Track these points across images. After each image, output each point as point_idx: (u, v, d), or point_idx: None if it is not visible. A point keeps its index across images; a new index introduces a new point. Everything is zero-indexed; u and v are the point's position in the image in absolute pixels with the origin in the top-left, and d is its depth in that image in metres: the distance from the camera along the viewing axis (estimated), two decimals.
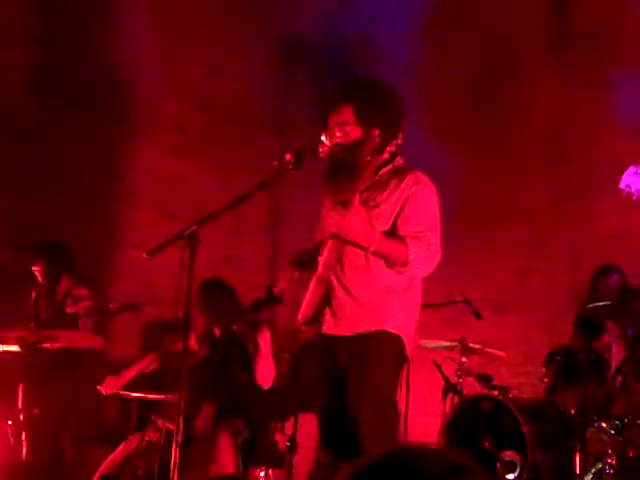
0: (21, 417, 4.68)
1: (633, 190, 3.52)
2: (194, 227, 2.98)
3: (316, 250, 3.21)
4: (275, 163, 3.15)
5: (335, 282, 3.11)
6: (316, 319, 3.10)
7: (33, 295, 5.07)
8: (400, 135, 3.22)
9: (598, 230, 6.07)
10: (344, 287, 3.10)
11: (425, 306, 5.29)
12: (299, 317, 3.11)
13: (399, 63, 6.68)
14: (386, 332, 3.06)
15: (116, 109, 6.37)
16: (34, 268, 5.12)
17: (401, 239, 3.04)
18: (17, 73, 6.12)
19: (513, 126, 6.51)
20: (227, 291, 4.76)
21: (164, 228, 6.03)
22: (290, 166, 3.08)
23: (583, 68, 6.35)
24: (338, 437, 3.13)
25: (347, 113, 3.15)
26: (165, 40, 6.51)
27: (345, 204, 3.04)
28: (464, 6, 6.74)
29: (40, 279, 5.12)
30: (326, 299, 3.12)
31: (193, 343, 4.64)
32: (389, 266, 3.07)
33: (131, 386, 4.56)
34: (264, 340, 4.58)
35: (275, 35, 6.92)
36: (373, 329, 3.06)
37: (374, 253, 3.03)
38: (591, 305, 5.12)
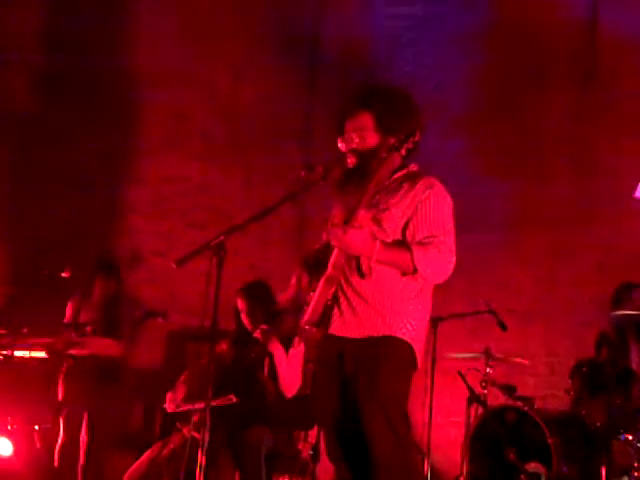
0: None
1: None
2: (222, 237, 2.99)
3: (324, 250, 3.19)
4: (302, 173, 3.15)
5: (344, 283, 3.09)
6: (323, 320, 3.09)
7: (73, 303, 5.15)
8: (418, 132, 3.19)
9: (624, 240, 6.02)
10: (354, 289, 3.07)
11: (450, 316, 5.37)
12: (305, 317, 3.09)
13: (424, 70, 6.67)
14: (396, 338, 3.01)
15: (141, 116, 6.42)
16: (98, 282, 5.21)
17: (405, 246, 3.01)
18: (38, 76, 6.20)
19: (539, 134, 6.47)
20: (271, 296, 4.80)
21: (189, 236, 6.07)
22: (318, 177, 3.08)
23: (611, 76, 6.31)
24: (347, 450, 3.08)
25: (366, 119, 3.12)
26: (189, 46, 6.54)
27: (348, 219, 3.02)
28: (494, 11, 6.72)
29: (98, 292, 5.20)
30: (335, 300, 3.11)
31: (226, 349, 4.69)
32: (402, 274, 3.04)
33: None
34: (296, 351, 4.58)
35: (300, 41, 6.93)
36: (382, 334, 3.01)
37: (379, 262, 3.01)
38: (618, 313, 5.08)
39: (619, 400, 4.80)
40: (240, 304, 4.71)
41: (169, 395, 4.62)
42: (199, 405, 4.18)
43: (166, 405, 4.61)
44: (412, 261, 2.96)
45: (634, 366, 5.02)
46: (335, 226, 3.02)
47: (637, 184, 5.65)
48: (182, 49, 6.53)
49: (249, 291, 4.72)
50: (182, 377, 4.74)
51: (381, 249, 2.99)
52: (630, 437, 4.61)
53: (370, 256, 2.98)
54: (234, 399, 4.27)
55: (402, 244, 3.04)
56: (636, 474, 4.51)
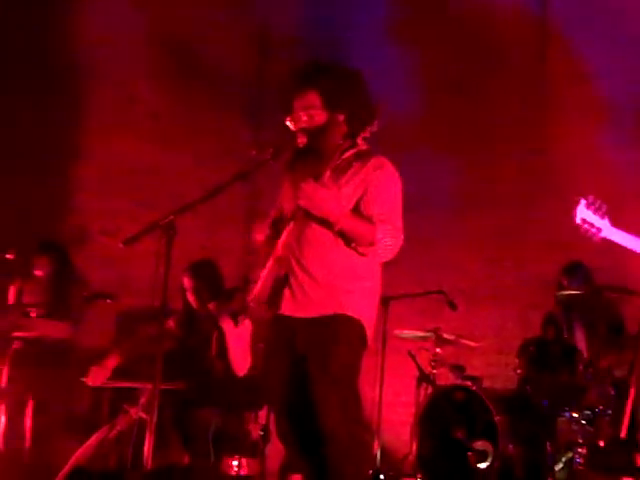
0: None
1: (591, 229, 3.53)
2: (171, 217, 2.95)
3: (275, 228, 3.18)
4: (253, 153, 3.12)
5: (294, 263, 3.08)
6: (272, 300, 3.08)
7: (15, 285, 5.06)
8: (375, 122, 3.20)
9: (570, 220, 6.10)
10: (304, 269, 3.07)
11: (400, 296, 5.41)
12: (252, 295, 3.08)
13: (378, 53, 6.67)
14: (346, 316, 3.03)
15: (90, 96, 6.31)
16: (38, 262, 5.10)
17: (369, 219, 3.02)
18: None
19: (488, 116, 6.52)
20: (219, 275, 4.77)
21: (138, 216, 5.99)
22: (268, 157, 3.06)
23: (562, 62, 6.37)
24: (298, 430, 3.08)
25: (313, 97, 3.11)
26: (141, 26, 6.45)
27: (317, 177, 3.03)
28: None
29: (41, 273, 5.10)
30: (284, 280, 3.10)
31: (174, 326, 4.65)
32: (352, 246, 3.03)
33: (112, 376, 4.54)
34: (244, 329, 4.57)
35: (252, 25, 6.89)
36: (333, 312, 3.02)
37: (341, 231, 3.00)
38: (563, 293, 5.17)
39: (564, 378, 4.89)
40: (186, 282, 4.68)
41: (94, 369, 4.45)
42: (129, 383, 4.16)
43: (89, 379, 4.45)
44: (375, 234, 2.98)
45: (579, 345, 5.12)
46: (304, 183, 2.99)
47: (594, 170, 5.75)
48: (132, 29, 6.43)
49: (195, 269, 4.69)
50: (112, 353, 4.63)
51: (350, 215, 3.00)
52: (575, 414, 4.71)
53: (338, 219, 2.98)
54: (181, 385, 4.24)
55: (366, 217, 3.04)
56: (580, 450, 4.61)
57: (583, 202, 3.48)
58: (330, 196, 2.99)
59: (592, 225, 3.55)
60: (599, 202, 3.57)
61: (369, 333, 3.10)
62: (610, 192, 5.67)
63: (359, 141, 3.18)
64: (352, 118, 3.14)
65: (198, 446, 4.23)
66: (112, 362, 4.47)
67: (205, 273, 4.68)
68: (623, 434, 1.87)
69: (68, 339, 4.97)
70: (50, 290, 5.03)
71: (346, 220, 2.99)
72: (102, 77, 6.34)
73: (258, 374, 4.48)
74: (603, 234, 3.51)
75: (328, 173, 3.11)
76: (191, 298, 4.68)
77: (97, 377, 4.44)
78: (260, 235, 3.20)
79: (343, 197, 3.06)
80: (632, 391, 1.95)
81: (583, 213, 3.51)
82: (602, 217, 3.55)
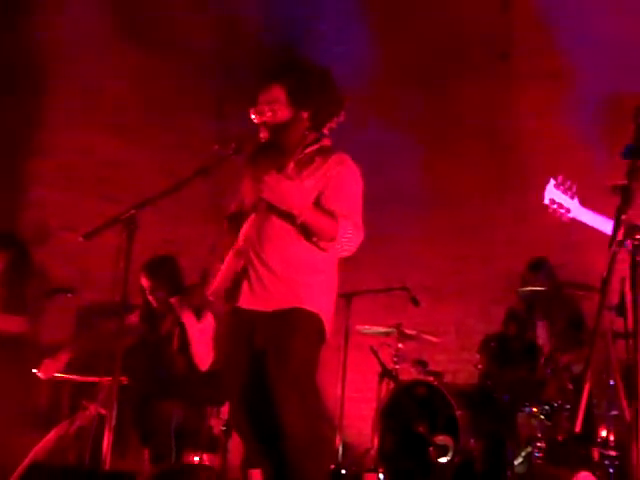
0: None
1: (559, 209, 3.35)
2: (133, 211, 2.94)
3: (235, 222, 3.18)
4: (215, 147, 3.12)
5: (254, 257, 3.09)
6: (231, 293, 3.08)
7: None
8: (342, 113, 3.20)
9: (533, 216, 6.13)
10: (263, 262, 3.07)
11: (363, 292, 5.42)
12: (210, 289, 3.08)
13: (344, 47, 6.67)
14: (305, 310, 3.04)
15: (50, 89, 6.22)
16: None
17: (331, 214, 3.03)
18: None
19: (451, 112, 6.55)
20: (178, 270, 4.73)
21: (101, 210, 5.92)
22: (231, 151, 3.06)
23: (524, 56, 6.42)
24: (257, 424, 3.08)
25: (278, 92, 3.13)
26: (103, 18, 6.38)
27: (279, 170, 3.03)
28: None
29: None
30: (243, 273, 3.09)
31: (136, 321, 4.61)
32: (313, 240, 3.04)
33: (67, 369, 4.49)
34: (206, 324, 4.55)
35: (215, 17, 6.84)
36: (292, 306, 3.03)
37: (303, 224, 3.00)
38: (525, 289, 5.22)
39: (524, 374, 4.95)
40: (144, 282, 4.64)
41: (46, 362, 4.41)
42: (88, 378, 4.13)
43: (40, 371, 4.40)
44: (337, 229, 2.98)
45: (540, 341, 5.18)
46: (267, 176, 2.99)
47: (556, 166, 5.77)
48: (95, 20, 6.35)
49: (151, 269, 4.65)
50: (66, 346, 4.59)
51: (313, 208, 3.01)
52: (534, 409, 4.76)
53: (301, 212, 2.98)
54: (124, 381, 4.20)
55: (328, 211, 3.05)
56: (539, 444, 4.67)
57: (552, 182, 3.35)
58: (293, 188, 2.99)
59: (561, 205, 3.39)
60: (569, 182, 3.42)
61: (327, 327, 3.11)
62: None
63: (325, 131, 3.19)
64: (316, 115, 3.15)
65: (159, 441, 4.21)
66: (65, 356, 4.43)
67: (162, 272, 4.64)
68: (577, 429, 1.90)
69: (25, 334, 4.89)
70: (6, 284, 4.95)
71: (309, 213, 2.99)
72: (64, 72, 6.25)
73: (220, 368, 4.47)
74: (572, 214, 3.34)
75: (292, 165, 3.11)
76: (150, 297, 4.64)
77: (48, 369, 4.40)
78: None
79: (305, 190, 3.06)
80: (587, 386, 1.97)
81: (552, 193, 3.35)
82: (572, 197, 3.40)
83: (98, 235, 2.92)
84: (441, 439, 4.89)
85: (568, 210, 3.39)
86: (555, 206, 3.36)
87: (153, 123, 6.55)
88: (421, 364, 5.45)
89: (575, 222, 3.40)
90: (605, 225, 3.26)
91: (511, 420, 4.83)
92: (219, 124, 6.53)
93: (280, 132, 3.11)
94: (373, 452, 5.09)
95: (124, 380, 4.02)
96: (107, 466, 2.83)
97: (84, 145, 6.24)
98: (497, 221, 6.23)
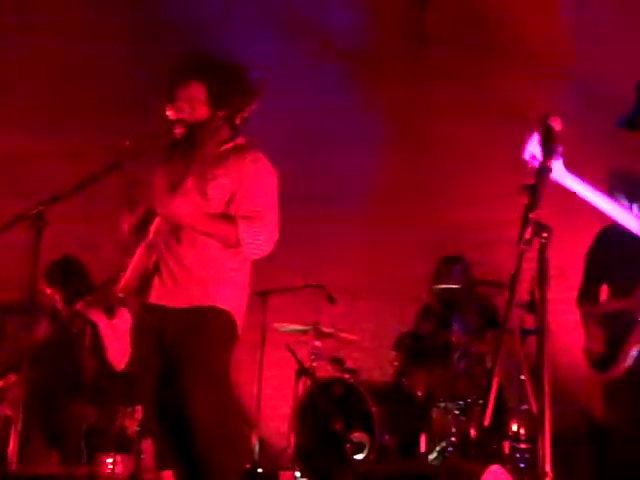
0: None
1: (536, 162, 2.90)
2: (41, 208, 2.88)
3: (147, 216, 3.15)
4: (127, 143, 3.07)
5: (166, 252, 3.07)
6: (141, 289, 3.05)
7: None
8: (247, 108, 3.21)
9: (448, 214, 6.22)
10: (175, 257, 3.06)
11: (279, 290, 5.42)
12: (121, 284, 3.05)
13: (255, 46, 6.63)
14: (217, 308, 3.04)
15: None
16: None
17: (230, 219, 3.04)
18: None
19: (372, 104, 6.56)
20: (79, 269, 4.63)
21: (16, 208, 5.76)
22: (145, 146, 3.03)
23: (440, 45, 6.47)
24: (168, 423, 3.04)
25: (197, 90, 3.12)
26: (20, 10, 6.21)
27: (174, 188, 3.04)
28: None
29: None
30: (155, 268, 3.07)
31: (46, 322, 4.50)
32: (225, 246, 3.05)
33: None
34: (121, 321, 4.47)
35: (130, 12, 6.74)
36: (203, 304, 3.03)
37: (203, 234, 3.02)
38: (440, 287, 5.29)
39: (439, 370, 5.02)
40: (47, 290, 4.54)
41: None
42: None
43: None
44: (236, 235, 2.99)
45: (454, 338, 5.26)
46: (163, 194, 2.97)
47: (472, 166, 5.82)
48: (10, 13, 6.19)
49: (49, 276, 4.54)
50: None
51: (206, 220, 3.01)
52: (448, 404, 4.85)
53: (193, 226, 2.99)
54: (12, 379, 4.10)
55: (227, 217, 3.06)
56: (453, 439, 4.75)
57: (536, 137, 2.94)
58: (187, 206, 2.99)
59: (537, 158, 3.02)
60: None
61: (239, 325, 3.11)
62: (488, 192, 5.89)
63: (237, 121, 3.18)
64: (233, 115, 3.16)
65: (69, 444, 4.12)
66: None
67: (63, 277, 4.54)
68: (487, 422, 1.93)
69: None
70: None
71: (204, 226, 3.00)
72: None
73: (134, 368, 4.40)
74: (554, 176, 2.96)
75: (203, 165, 3.10)
76: (55, 302, 4.54)
77: None
78: (126, 225, 3.16)
79: (218, 187, 3.07)
80: (495, 380, 2.01)
81: (534, 149, 2.99)
82: (556, 158, 2.81)
83: (4, 232, 2.84)
84: (357, 436, 4.92)
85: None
86: (536, 163, 2.89)
87: (66, 118, 6.41)
88: (338, 362, 5.47)
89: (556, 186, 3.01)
90: (592, 194, 2.94)
91: (426, 416, 4.90)
92: (134, 119, 6.41)
93: (196, 130, 3.10)
94: (290, 450, 5.09)
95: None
96: (13, 468, 2.76)
97: None
98: (411, 219, 6.28)
